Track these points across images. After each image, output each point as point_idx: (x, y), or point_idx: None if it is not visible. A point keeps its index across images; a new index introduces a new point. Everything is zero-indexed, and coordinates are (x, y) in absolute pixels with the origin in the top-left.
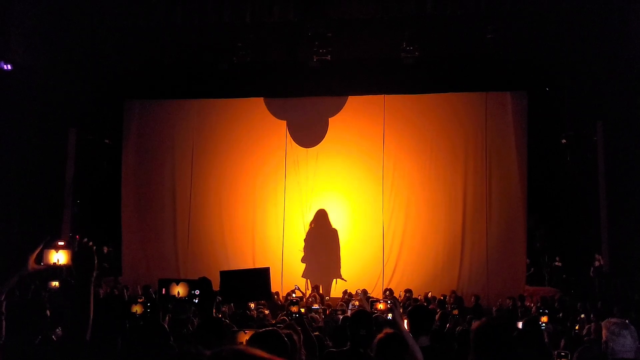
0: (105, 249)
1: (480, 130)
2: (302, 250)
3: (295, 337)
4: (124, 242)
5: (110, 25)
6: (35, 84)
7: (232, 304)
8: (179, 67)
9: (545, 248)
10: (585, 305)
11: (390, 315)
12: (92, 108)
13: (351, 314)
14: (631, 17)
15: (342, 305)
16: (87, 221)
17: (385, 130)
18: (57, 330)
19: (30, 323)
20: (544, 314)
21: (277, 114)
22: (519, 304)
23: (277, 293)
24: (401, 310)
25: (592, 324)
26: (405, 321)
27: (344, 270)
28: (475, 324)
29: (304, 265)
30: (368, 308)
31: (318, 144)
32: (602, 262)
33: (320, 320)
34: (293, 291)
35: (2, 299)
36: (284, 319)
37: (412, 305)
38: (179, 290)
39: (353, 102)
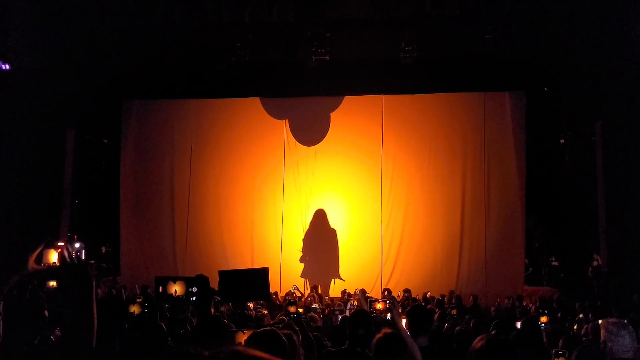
0: (104, 249)
1: (479, 130)
2: (301, 250)
3: (293, 337)
4: (123, 242)
5: (109, 25)
6: (33, 84)
7: (230, 304)
8: (177, 67)
9: (544, 248)
10: (584, 305)
11: (388, 315)
12: (91, 108)
13: (350, 314)
14: (630, 17)
15: (340, 305)
16: (86, 221)
17: (384, 130)
18: (56, 331)
19: (28, 323)
20: (543, 314)
21: (276, 114)
22: (517, 303)
23: (275, 293)
24: (400, 310)
25: (591, 324)
26: (404, 321)
27: (342, 270)
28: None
29: (302, 265)
30: (367, 308)
31: (320, 141)
32: (600, 262)
33: (319, 320)
34: (292, 291)
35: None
36: (282, 319)
37: (410, 305)
38: (176, 288)
39: (352, 102)
